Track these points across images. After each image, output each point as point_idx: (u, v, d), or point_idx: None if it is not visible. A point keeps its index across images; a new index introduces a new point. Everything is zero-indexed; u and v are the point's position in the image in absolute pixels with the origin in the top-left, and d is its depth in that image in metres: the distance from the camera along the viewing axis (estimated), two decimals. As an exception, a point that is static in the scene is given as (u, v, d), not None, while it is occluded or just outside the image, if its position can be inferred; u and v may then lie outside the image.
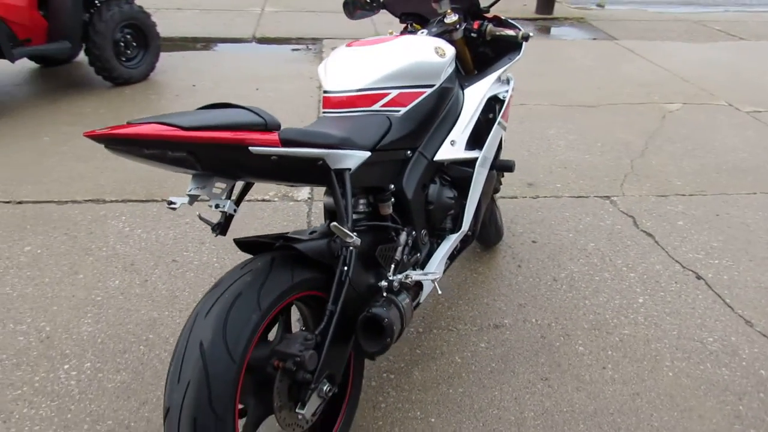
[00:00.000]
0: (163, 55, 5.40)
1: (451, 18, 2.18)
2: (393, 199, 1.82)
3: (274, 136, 1.31)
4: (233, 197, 1.61)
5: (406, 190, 1.84)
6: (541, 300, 2.47)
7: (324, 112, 1.80)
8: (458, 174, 2.04)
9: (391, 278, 1.72)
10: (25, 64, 5.34)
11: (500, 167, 2.22)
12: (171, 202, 1.34)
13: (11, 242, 2.76)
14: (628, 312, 2.41)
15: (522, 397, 2.00)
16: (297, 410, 1.48)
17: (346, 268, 1.58)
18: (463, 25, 2.24)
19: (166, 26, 6.33)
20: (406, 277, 1.76)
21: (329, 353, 1.53)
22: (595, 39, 7.29)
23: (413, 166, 1.88)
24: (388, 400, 1.98)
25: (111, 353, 2.13)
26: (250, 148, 1.27)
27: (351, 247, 1.53)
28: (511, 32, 2.22)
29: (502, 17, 2.38)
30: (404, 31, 2.29)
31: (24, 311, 2.32)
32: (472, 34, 2.26)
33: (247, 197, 3.13)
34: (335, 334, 1.54)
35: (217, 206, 1.34)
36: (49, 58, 5.21)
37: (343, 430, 1.75)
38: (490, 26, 2.24)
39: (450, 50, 1.97)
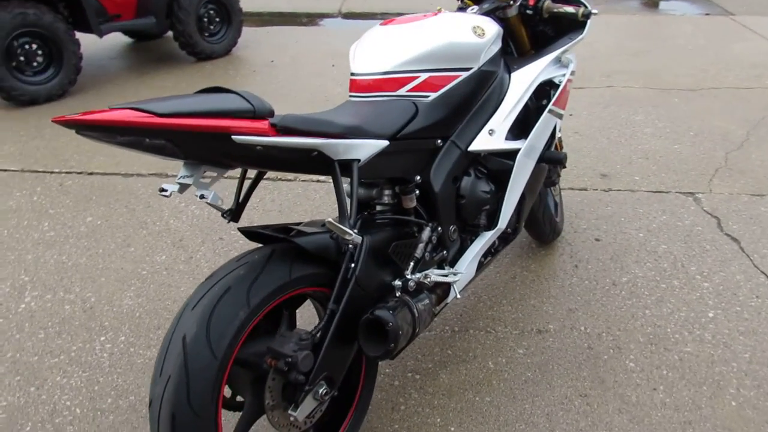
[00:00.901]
0: (247, 30, 5.49)
1: (507, -7, 1.98)
2: (417, 192, 1.69)
3: (261, 124, 1.22)
4: (245, 185, 1.56)
5: (433, 182, 1.70)
6: (594, 306, 2.25)
7: (350, 96, 1.69)
8: (497, 166, 1.86)
9: (409, 277, 1.61)
10: (120, 39, 5.61)
11: (549, 159, 2.01)
12: (163, 189, 1.29)
13: (76, 212, 2.89)
14: (694, 327, 2.14)
15: (555, 414, 1.82)
16: (290, 411, 1.41)
17: (353, 265, 1.48)
18: (519, 1, 2.04)
19: (252, 1, 6.43)
20: (425, 276, 1.64)
21: (328, 354, 1.44)
22: (707, 14, 6.61)
23: (443, 156, 1.73)
24: (408, 402, 1.87)
25: (145, 329, 2.17)
26: (233, 137, 1.19)
27: (350, 245, 1.43)
28: (570, 9, 1.99)
29: (566, -9, 2.14)
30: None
31: (74, 281, 2.42)
32: (528, 11, 2.05)
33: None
34: (337, 335, 1.45)
35: (201, 197, 1.28)
36: (137, 33, 5.44)
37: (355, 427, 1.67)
38: (548, 2, 2.03)
39: (491, 30, 1.79)
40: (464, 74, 1.73)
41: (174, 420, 1.24)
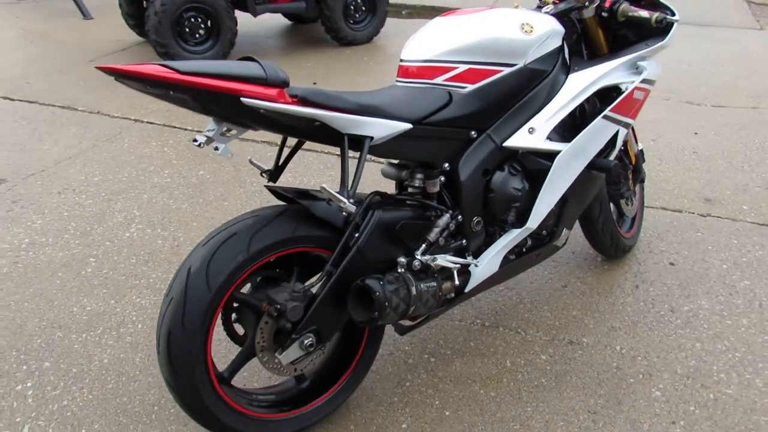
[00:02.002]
0: (392, 21, 5.72)
1: (583, -7, 1.95)
2: (442, 179, 1.76)
3: (270, 91, 1.38)
4: (284, 154, 1.74)
5: (460, 171, 1.75)
6: (641, 329, 2.13)
7: (396, 81, 1.79)
8: (534, 165, 1.85)
9: (416, 257, 1.68)
10: (280, 21, 6.13)
11: (595, 167, 1.94)
12: (195, 140, 1.51)
13: (193, 165, 3.30)
14: (746, 370, 1.95)
15: (554, 423, 1.79)
16: (276, 354, 1.57)
17: (357, 234, 1.60)
18: (596, 2, 1.98)
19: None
20: (434, 260, 1.70)
21: (319, 310, 1.58)
22: None
23: (476, 148, 1.77)
24: (415, 381, 1.95)
25: (214, 270, 2.46)
26: (242, 99, 1.36)
27: (357, 216, 1.54)
28: (644, 14, 1.90)
29: (658, -6, 2.04)
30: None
31: (172, 221, 2.79)
32: (603, 13, 1.99)
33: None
34: (331, 295, 1.58)
35: (216, 149, 1.46)
36: (295, 16, 5.90)
37: (343, 394, 1.79)
38: (624, 5, 1.95)
39: (543, 28, 1.78)
40: (507, 69, 1.75)
41: (170, 336, 1.46)
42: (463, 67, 1.71)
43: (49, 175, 3.19)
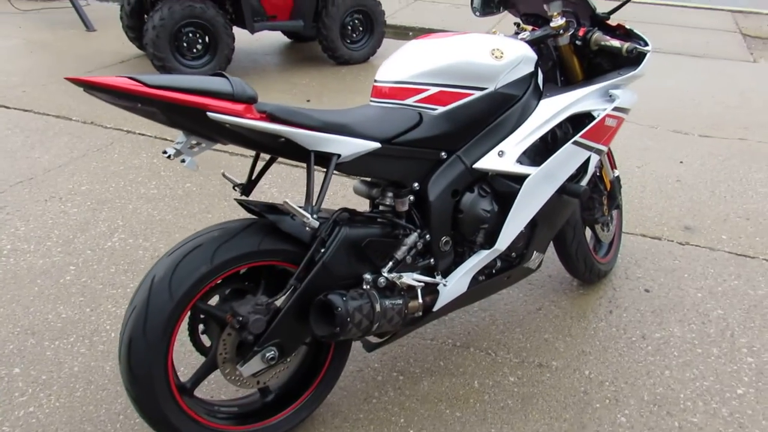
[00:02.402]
0: (389, 42, 5.79)
1: (557, 21, 1.99)
2: (411, 198, 1.78)
3: (235, 106, 1.41)
4: (258, 167, 1.76)
5: (429, 191, 1.78)
6: (611, 354, 2.14)
7: (370, 100, 1.82)
8: (503, 188, 1.87)
9: (383, 275, 1.70)
10: (280, 39, 6.21)
11: (566, 191, 1.97)
12: (165, 151, 1.53)
13: (180, 177, 3.33)
14: (713, 399, 1.95)
15: (517, 445, 1.80)
16: (237, 366, 1.58)
17: (323, 250, 1.62)
18: (570, 31, 2.02)
19: (405, 15, 6.74)
20: (399, 277, 1.72)
21: (282, 324, 1.59)
22: None
23: (446, 169, 1.80)
24: (381, 398, 1.95)
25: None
26: (207, 113, 1.39)
27: (316, 231, 1.56)
28: (616, 43, 1.95)
29: (628, 27, 2.08)
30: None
31: (155, 232, 2.81)
32: (577, 41, 2.03)
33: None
34: (294, 309, 1.60)
35: (182, 161, 1.49)
36: (294, 34, 5.98)
37: (307, 408, 1.79)
38: (597, 34, 2.00)
39: (513, 54, 1.81)
40: (477, 93, 1.78)
41: (131, 344, 1.47)
42: (433, 90, 1.75)
43: (38, 183, 3.22)
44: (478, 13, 2.33)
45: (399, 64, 1.79)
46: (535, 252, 2.04)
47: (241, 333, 1.57)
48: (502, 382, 2.02)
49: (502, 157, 1.84)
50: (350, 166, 1.65)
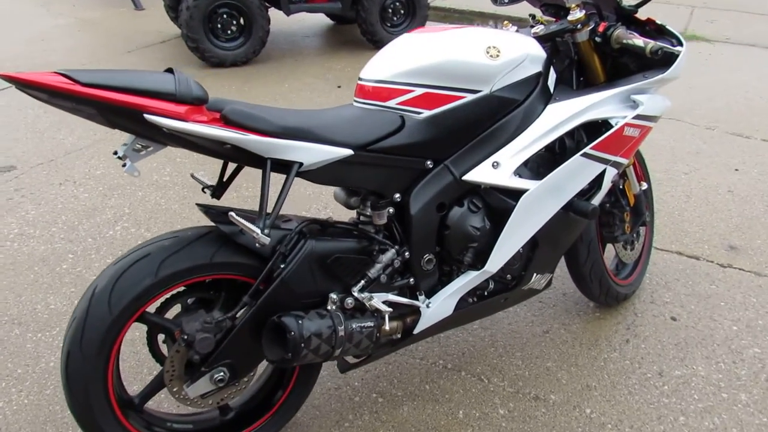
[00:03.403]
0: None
1: (575, 15, 1.75)
2: (390, 210, 1.61)
3: (176, 108, 1.27)
4: (229, 168, 1.63)
5: (411, 204, 1.60)
6: (619, 391, 1.91)
7: (353, 100, 1.65)
8: (497, 203, 1.67)
9: (353, 294, 1.54)
10: (323, 20, 6.07)
11: (574, 209, 1.74)
12: (115, 152, 1.42)
13: (195, 165, 3.25)
14: (731, 456, 1.70)
15: (495, 490, 1.61)
16: (183, 386, 1.47)
17: (283, 265, 1.48)
18: (590, 26, 1.78)
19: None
20: (370, 298, 1.55)
21: (233, 344, 1.47)
22: None
23: (431, 179, 1.61)
24: (355, 422, 1.81)
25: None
26: (144, 115, 1.25)
27: (260, 245, 1.41)
28: (639, 42, 1.68)
29: (659, 23, 1.81)
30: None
31: (158, 222, 2.75)
32: (597, 38, 1.78)
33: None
34: (248, 329, 1.47)
35: (124, 165, 1.37)
36: (338, 16, 5.82)
37: (267, 430, 1.67)
38: (619, 31, 1.74)
39: (512, 53, 1.59)
40: (469, 96, 1.57)
41: (68, 357, 1.38)
42: (419, 91, 1.55)
43: (56, 165, 3.22)
44: (498, 3, 2.11)
45: (385, 60, 1.60)
46: (535, 274, 1.83)
47: (188, 351, 1.45)
48: (490, 414, 1.83)
49: (497, 168, 1.63)
50: (317, 175, 1.49)
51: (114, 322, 1.38)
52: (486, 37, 1.60)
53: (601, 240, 2.08)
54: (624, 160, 1.81)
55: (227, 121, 1.35)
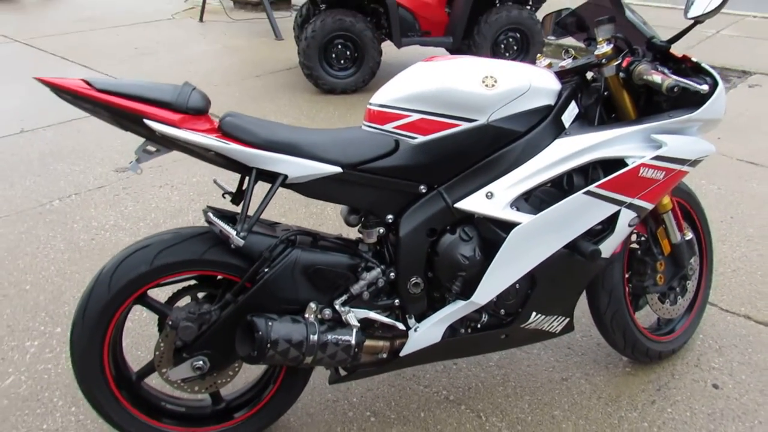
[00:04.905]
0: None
1: (601, 49, 1.70)
2: (381, 231, 1.66)
3: (171, 115, 1.43)
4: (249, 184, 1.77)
5: (401, 226, 1.64)
6: (626, 453, 1.76)
7: (362, 123, 1.74)
8: (489, 234, 1.64)
9: (335, 306, 1.61)
10: (439, 51, 6.20)
11: (576, 249, 1.65)
12: (135, 152, 1.62)
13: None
14: None
15: None
16: (167, 368, 1.62)
17: (267, 269, 1.58)
18: (618, 61, 1.71)
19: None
20: (347, 312, 1.61)
21: (213, 337, 1.59)
22: None
23: (424, 204, 1.64)
24: (341, 435, 1.84)
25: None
26: (144, 119, 1.43)
27: (236, 246, 1.52)
28: (657, 78, 1.58)
29: (695, 59, 1.69)
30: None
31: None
32: (621, 74, 1.70)
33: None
34: (227, 324, 1.59)
35: (129, 163, 1.55)
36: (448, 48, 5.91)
37: (247, 427, 1.76)
38: (641, 66, 1.65)
39: (512, 83, 1.57)
40: (465, 125, 1.59)
41: (73, 327, 1.59)
42: (415, 116, 1.60)
43: (162, 171, 3.63)
44: (551, 37, 2.09)
45: (391, 86, 1.67)
46: (536, 313, 1.75)
47: (174, 337, 1.60)
48: (476, 452, 1.78)
49: (491, 199, 1.62)
50: (306, 189, 1.58)
51: (111, 301, 1.56)
52: (485, 66, 1.60)
53: (632, 289, 1.94)
54: (645, 204, 1.70)
55: (223, 132, 1.49)
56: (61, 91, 1.43)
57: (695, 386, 1.99)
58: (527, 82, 1.60)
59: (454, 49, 5.32)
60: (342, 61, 4.93)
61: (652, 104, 1.77)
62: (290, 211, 3.15)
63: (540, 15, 5.23)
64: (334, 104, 4.78)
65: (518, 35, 5.16)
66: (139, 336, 2.24)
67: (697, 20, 1.65)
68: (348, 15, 4.76)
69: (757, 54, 5.88)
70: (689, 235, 1.97)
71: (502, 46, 5.15)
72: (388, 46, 5.17)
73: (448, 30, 5.14)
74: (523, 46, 5.21)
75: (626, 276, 1.95)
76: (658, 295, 2.00)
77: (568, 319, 1.85)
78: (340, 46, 4.87)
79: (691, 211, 2.08)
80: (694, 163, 1.73)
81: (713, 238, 2.81)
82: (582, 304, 2.00)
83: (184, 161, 3.73)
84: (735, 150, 3.77)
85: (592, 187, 1.62)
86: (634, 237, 1.99)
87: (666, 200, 1.88)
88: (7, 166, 3.63)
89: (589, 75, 1.83)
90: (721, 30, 6.86)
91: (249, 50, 6.38)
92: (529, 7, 5.13)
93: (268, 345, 1.51)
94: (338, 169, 1.56)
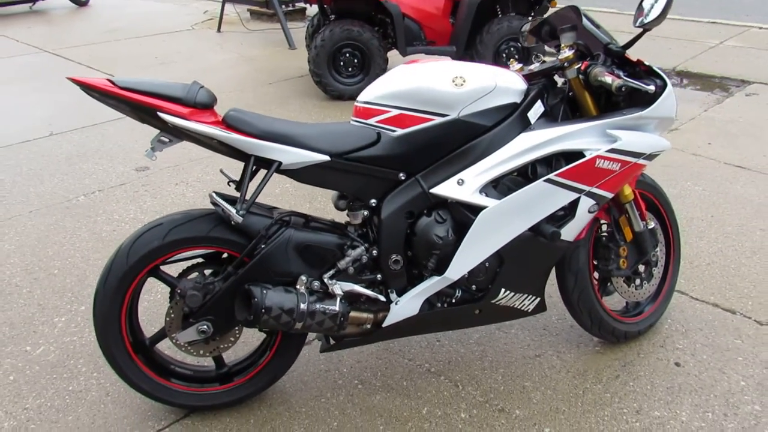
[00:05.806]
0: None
1: (564, 53, 1.91)
2: (365, 213, 1.87)
3: (180, 109, 1.66)
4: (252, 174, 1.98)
5: (383, 209, 1.85)
6: (587, 419, 1.93)
7: (350, 119, 1.96)
8: (460, 217, 1.84)
9: (324, 279, 1.82)
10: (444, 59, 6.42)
11: (537, 231, 1.85)
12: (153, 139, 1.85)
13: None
14: (675, 497, 1.66)
15: (427, 477, 1.75)
16: (176, 332, 1.84)
17: (263, 246, 1.80)
18: (577, 64, 1.91)
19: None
20: (333, 284, 1.82)
21: (215, 304, 1.81)
22: None
23: (403, 190, 1.85)
24: (330, 400, 2.05)
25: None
26: (158, 113, 1.66)
27: (236, 223, 1.74)
28: (608, 79, 1.79)
29: (647, 63, 1.89)
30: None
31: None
32: (580, 76, 1.91)
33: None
34: (228, 293, 1.81)
35: (146, 151, 1.78)
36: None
37: (242, 390, 1.98)
38: (596, 69, 1.85)
39: (477, 82, 1.79)
40: (438, 119, 1.80)
41: (96, 295, 1.82)
42: (395, 112, 1.81)
43: (179, 169, 3.89)
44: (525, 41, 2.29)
45: (375, 85, 1.89)
46: (505, 290, 1.95)
47: (182, 304, 1.82)
48: (451, 416, 1.97)
49: (461, 185, 1.82)
50: (298, 175, 1.80)
51: (128, 272, 1.79)
52: (456, 68, 1.82)
53: (597, 272, 2.13)
54: (604, 192, 1.89)
55: (226, 124, 1.72)
56: (89, 89, 1.67)
57: (658, 364, 2.17)
58: (493, 82, 1.81)
59: (458, 58, 5.54)
60: (350, 69, 5.17)
61: (611, 104, 1.97)
62: (295, 207, 3.38)
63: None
64: (342, 110, 5.01)
65: (519, 45, 5.36)
66: (153, 313, 2.48)
67: (645, 28, 1.84)
68: (356, 25, 5.01)
69: (758, 65, 6.00)
70: (652, 225, 2.16)
71: (504, 55, 5.36)
72: (394, 55, 5.41)
73: (452, 39, 5.36)
74: (523, 56, 5.41)
75: (594, 262, 2.14)
76: (624, 279, 2.18)
77: (539, 299, 2.04)
78: (348, 55, 5.11)
79: (657, 203, 2.26)
80: (649, 157, 1.92)
81: (692, 235, 2.98)
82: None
83: (199, 161, 3.99)
84: (724, 154, 3.93)
85: (552, 176, 1.82)
86: (604, 228, 2.17)
87: (628, 191, 2.06)
88: (38, 166, 3.92)
89: (559, 78, 2.04)
90: (724, 41, 7.00)
91: (263, 59, 6.66)
92: (530, 18, 5.34)
93: (263, 310, 1.73)
94: (326, 158, 1.78)
